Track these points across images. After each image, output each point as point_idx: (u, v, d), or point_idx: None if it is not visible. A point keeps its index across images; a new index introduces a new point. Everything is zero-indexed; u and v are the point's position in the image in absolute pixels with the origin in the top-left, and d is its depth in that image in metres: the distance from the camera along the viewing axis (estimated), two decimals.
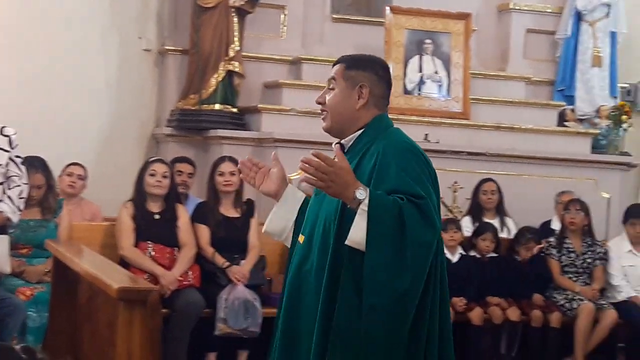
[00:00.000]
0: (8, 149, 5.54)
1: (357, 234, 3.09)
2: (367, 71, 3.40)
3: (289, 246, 3.56)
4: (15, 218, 5.61)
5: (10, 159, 5.55)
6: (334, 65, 3.47)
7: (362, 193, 3.10)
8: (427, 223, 3.11)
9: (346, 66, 3.42)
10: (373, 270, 3.08)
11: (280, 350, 3.35)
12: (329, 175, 3.09)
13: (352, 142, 3.37)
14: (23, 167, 5.67)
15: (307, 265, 3.29)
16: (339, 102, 3.38)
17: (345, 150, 3.34)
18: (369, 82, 3.38)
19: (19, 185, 5.58)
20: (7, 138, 5.55)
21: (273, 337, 3.47)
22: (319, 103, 3.44)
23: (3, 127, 5.59)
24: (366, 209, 3.08)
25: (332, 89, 3.41)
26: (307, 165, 3.09)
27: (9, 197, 5.52)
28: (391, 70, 8.43)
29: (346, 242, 3.12)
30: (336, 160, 3.13)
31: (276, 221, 3.55)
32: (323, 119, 3.41)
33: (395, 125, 9.10)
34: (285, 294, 3.40)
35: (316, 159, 3.09)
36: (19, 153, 5.65)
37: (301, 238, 3.37)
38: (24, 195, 5.66)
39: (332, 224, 3.21)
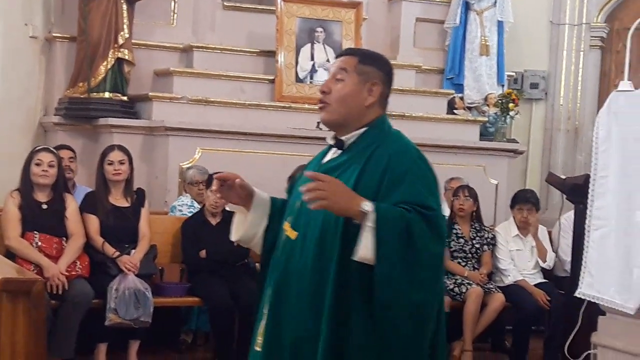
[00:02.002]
0: None
1: (365, 251, 3.00)
2: (381, 69, 3.28)
3: (258, 252, 3.47)
4: None
5: None
6: (341, 55, 3.33)
7: (367, 208, 3.01)
8: (435, 235, 3.05)
9: (360, 60, 3.27)
10: (383, 286, 3.01)
11: (267, 339, 3.27)
12: (326, 186, 3.00)
13: (352, 140, 3.25)
14: None
15: (298, 264, 3.19)
16: (348, 95, 3.22)
17: (345, 148, 3.26)
18: (380, 81, 3.26)
19: None
20: None
21: (254, 325, 3.39)
22: (324, 92, 3.26)
23: None
24: (372, 224, 2.99)
25: (341, 79, 3.25)
26: (305, 190, 3.01)
27: None
28: (283, 59, 8.63)
29: (354, 258, 3.03)
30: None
31: (249, 229, 3.43)
32: (322, 108, 3.26)
33: (287, 113, 9.09)
34: (272, 291, 3.28)
35: (311, 184, 3.01)
36: None
37: (292, 233, 3.25)
38: None
39: (332, 228, 3.11)
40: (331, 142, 3.30)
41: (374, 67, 3.27)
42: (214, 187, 3.42)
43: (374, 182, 3.11)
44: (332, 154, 3.31)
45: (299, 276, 3.19)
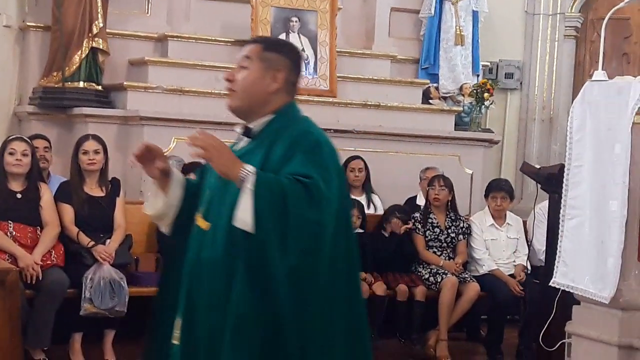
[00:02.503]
0: None
1: (244, 213, 3.03)
2: (285, 56, 3.32)
3: (164, 231, 3.49)
4: None
5: None
6: (248, 44, 3.36)
7: (247, 171, 3.05)
8: (312, 202, 3.05)
9: (264, 47, 3.31)
10: (258, 249, 3.04)
11: (183, 332, 3.28)
12: (207, 139, 3.06)
13: (260, 127, 3.28)
14: None
15: (209, 255, 3.20)
16: (251, 82, 3.27)
17: (253, 135, 3.27)
18: (285, 68, 3.30)
19: None
20: None
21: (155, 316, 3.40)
22: (229, 80, 3.31)
23: None
24: (250, 187, 3.02)
25: (245, 67, 3.29)
26: (187, 140, 3.09)
27: None
28: None
29: (234, 223, 3.05)
30: None
31: (164, 207, 3.44)
32: (229, 96, 3.30)
33: None
34: (185, 283, 3.28)
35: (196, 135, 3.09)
36: None
37: (203, 224, 3.27)
38: None
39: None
40: (239, 130, 3.34)
41: (278, 54, 3.32)
42: (135, 152, 3.40)
43: (274, 164, 3.15)
44: (243, 142, 3.34)
45: (211, 267, 3.20)
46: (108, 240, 6.47)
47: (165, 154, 3.43)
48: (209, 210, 3.27)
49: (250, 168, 3.06)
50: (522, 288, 7.23)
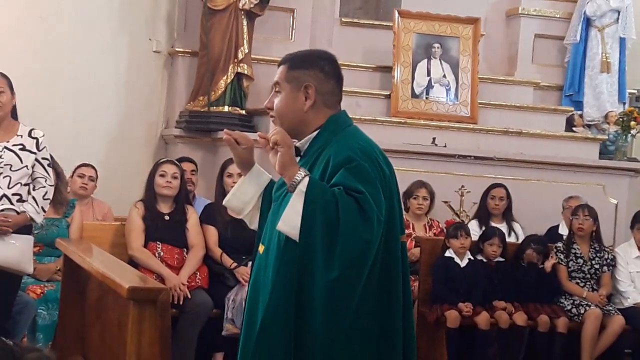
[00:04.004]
0: (35, 150, 5.52)
1: (292, 215, 3.01)
2: (311, 69, 3.25)
3: (253, 227, 3.52)
4: (38, 219, 5.59)
5: (37, 160, 5.53)
6: (278, 66, 3.34)
7: (302, 174, 3.04)
8: (363, 216, 2.99)
9: (289, 67, 3.27)
10: (304, 255, 3.01)
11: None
12: (285, 139, 3.10)
13: (307, 144, 3.26)
14: (50, 169, 5.66)
15: (264, 279, 3.19)
16: (285, 106, 3.25)
17: (302, 154, 3.26)
18: (314, 81, 3.23)
19: (44, 187, 5.56)
20: (34, 140, 5.54)
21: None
22: (268, 108, 3.31)
23: (32, 129, 5.59)
24: (304, 189, 3.00)
25: (279, 92, 3.28)
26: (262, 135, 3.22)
27: (34, 198, 5.50)
28: (399, 74, 8.61)
29: (278, 227, 3.06)
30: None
31: (234, 201, 3.53)
32: (273, 122, 3.30)
33: (402, 129, 8.99)
34: (245, 307, 3.32)
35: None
36: (46, 155, 5.63)
37: (261, 248, 3.27)
38: (49, 196, 5.62)
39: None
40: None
41: (303, 69, 3.25)
42: (226, 134, 3.48)
43: None
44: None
45: (264, 288, 3.19)
46: (250, 262, 6.55)
47: (252, 147, 3.48)
48: (265, 232, 3.28)
49: (306, 172, 3.06)
50: None
